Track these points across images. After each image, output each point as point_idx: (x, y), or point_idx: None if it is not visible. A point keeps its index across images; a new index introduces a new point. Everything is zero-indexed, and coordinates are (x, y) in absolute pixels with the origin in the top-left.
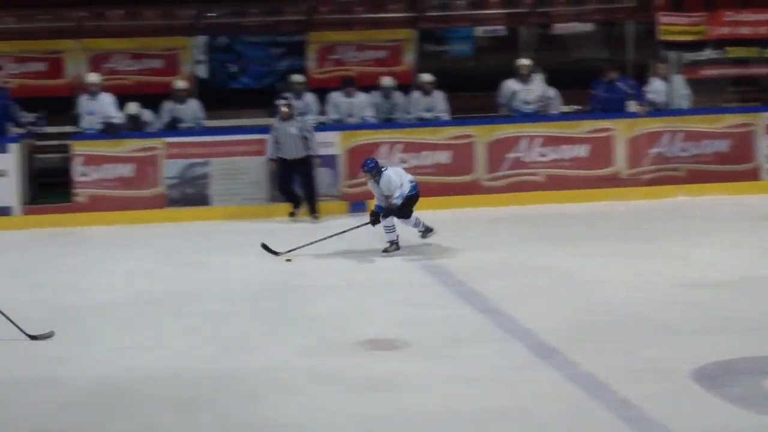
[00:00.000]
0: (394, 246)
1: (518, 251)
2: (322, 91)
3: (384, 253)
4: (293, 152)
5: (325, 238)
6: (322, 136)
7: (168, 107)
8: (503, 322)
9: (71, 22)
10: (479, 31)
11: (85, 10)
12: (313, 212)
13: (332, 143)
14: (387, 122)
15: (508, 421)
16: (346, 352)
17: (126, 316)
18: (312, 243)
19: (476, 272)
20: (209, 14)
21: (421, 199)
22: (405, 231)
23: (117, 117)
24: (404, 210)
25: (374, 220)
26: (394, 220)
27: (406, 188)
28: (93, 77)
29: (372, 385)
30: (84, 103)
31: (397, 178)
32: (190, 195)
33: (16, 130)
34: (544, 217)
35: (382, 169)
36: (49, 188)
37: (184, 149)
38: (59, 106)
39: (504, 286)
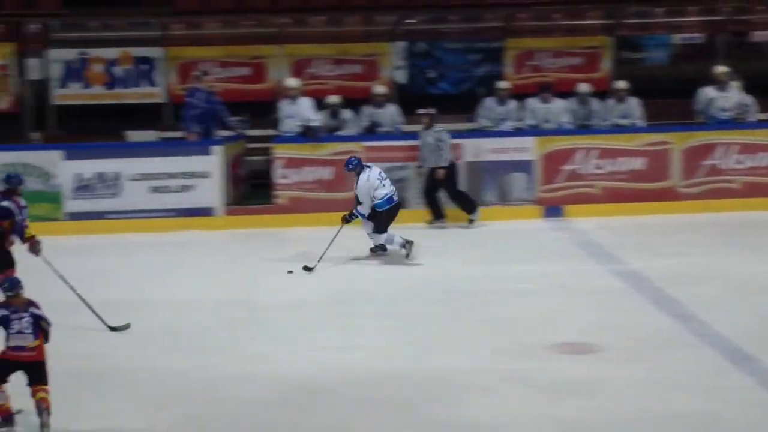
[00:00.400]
0: (408, 245)
1: (713, 258)
2: (519, 97)
3: (407, 259)
4: (430, 161)
5: (323, 253)
6: (518, 142)
7: (367, 112)
8: (697, 328)
9: (274, 28)
10: (676, 38)
11: (288, 17)
12: (467, 213)
13: (528, 148)
14: (583, 128)
15: (701, 426)
16: (540, 355)
17: (323, 316)
18: (320, 259)
19: (670, 278)
20: (409, 20)
21: (616, 205)
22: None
23: (316, 120)
24: (384, 223)
25: (346, 219)
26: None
27: (380, 196)
28: (293, 82)
29: (564, 389)
30: (284, 106)
31: (367, 189)
32: None
33: (223, 133)
34: (740, 224)
35: (362, 172)
36: (252, 189)
37: (383, 153)
38: (260, 110)
39: (698, 292)
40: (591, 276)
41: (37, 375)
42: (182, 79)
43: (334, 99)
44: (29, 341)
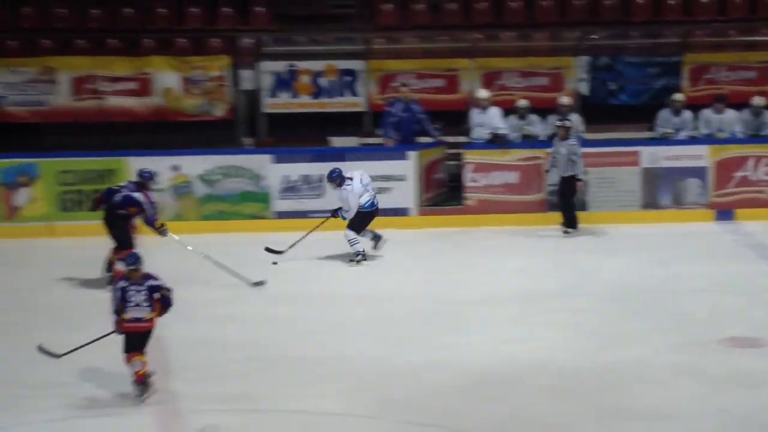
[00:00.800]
0: (360, 256)
1: None
2: (694, 108)
3: (350, 263)
4: (562, 170)
5: (299, 240)
6: (693, 150)
7: (552, 120)
8: None
9: (467, 42)
10: None
11: (481, 32)
12: (564, 225)
13: (702, 156)
14: (754, 138)
15: None
16: (710, 349)
17: (507, 310)
18: (293, 244)
19: None
20: (592, 36)
21: None
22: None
23: (503, 128)
24: (360, 224)
25: (334, 214)
26: (356, 234)
27: (364, 202)
28: (483, 93)
29: (734, 381)
30: (474, 116)
31: (354, 198)
32: None
33: (423, 140)
34: None
35: (346, 183)
36: (447, 192)
37: None
38: (453, 119)
39: None
40: (760, 276)
41: (143, 344)
42: (382, 90)
43: (523, 103)
44: (146, 313)
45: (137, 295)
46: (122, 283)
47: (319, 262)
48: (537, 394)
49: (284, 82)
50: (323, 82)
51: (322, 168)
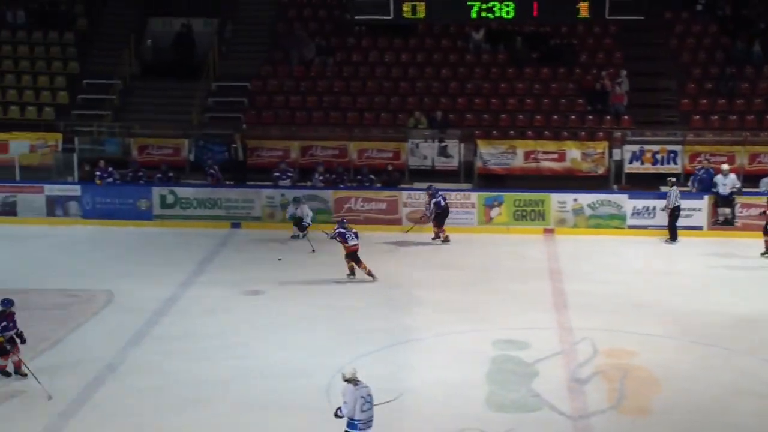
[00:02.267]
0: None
1: None
2: None
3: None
4: (671, 204)
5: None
6: None
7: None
8: None
9: (739, 137)
10: None
11: (751, 132)
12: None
13: None
14: None
15: None
16: None
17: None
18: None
19: None
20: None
21: None
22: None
23: (737, 186)
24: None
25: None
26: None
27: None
28: (725, 167)
29: None
30: (719, 179)
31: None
32: None
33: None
34: None
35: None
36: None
37: None
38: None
39: None
40: None
41: (358, 258)
42: (691, 161)
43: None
44: (357, 242)
45: (351, 235)
46: (340, 230)
47: (617, 254)
48: None
49: (637, 156)
50: (658, 156)
51: (655, 202)
